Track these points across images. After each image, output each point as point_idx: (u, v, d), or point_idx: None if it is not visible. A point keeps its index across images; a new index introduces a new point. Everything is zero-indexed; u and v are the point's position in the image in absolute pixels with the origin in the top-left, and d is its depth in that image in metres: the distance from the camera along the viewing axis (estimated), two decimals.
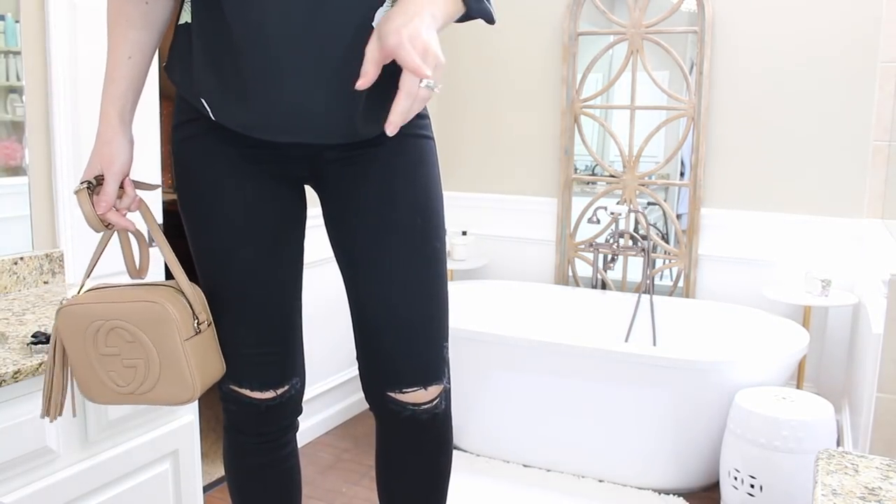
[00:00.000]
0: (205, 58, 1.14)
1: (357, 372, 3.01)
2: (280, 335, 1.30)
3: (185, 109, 1.24)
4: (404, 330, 1.25)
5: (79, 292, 1.18)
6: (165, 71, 1.24)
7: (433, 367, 1.27)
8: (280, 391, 1.31)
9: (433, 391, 1.27)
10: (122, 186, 1.19)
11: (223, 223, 1.23)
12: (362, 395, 3.07)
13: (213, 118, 1.17)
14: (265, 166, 1.23)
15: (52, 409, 1.19)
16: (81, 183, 1.17)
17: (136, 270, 1.25)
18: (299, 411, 1.38)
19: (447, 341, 1.29)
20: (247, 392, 1.30)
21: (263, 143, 1.20)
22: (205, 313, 1.19)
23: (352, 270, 1.28)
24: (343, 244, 1.28)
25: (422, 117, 1.27)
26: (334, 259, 1.33)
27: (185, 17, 1.18)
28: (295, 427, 1.40)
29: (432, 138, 1.29)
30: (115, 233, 1.22)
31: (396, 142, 1.23)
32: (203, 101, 1.16)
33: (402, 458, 1.34)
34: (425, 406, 1.27)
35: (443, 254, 1.28)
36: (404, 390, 1.26)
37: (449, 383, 1.30)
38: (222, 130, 1.20)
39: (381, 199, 1.23)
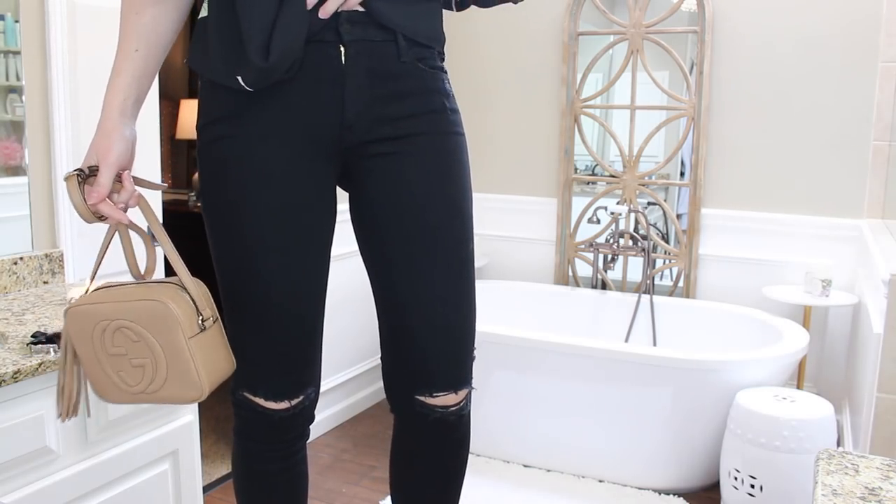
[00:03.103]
0: (223, 33, 1.13)
1: (356, 373, 3.04)
2: (301, 344, 1.26)
3: (210, 109, 1.21)
4: (441, 334, 1.23)
5: (86, 292, 1.15)
6: (189, 64, 1.22)
7: (465, 371, 1.27)
8: (295, 402, 1.28)
9: (462, 394, 1.27)
10: (121, 181, 1.16)
11: (250, 228, 1.20)
12: (361, 395, 3.09)
13: (249, 88, 1.14)
14: (296, 167, 1.20)
15: (67, 409, 1.17)
16: (73, 170, 1.13)
17: (139, 271, 1.21)
18: (312, 420, 1.35)
19: (475, 343, 1.29)
20: (261, 402, 1.26)
21: (294, 133, 1.18)
22: (209, 310, 1.15)
23: (385, 271, 1.25)
24: (376, 243, 1.25)
25: (455, 112, 1.26)
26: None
27: (204, 11, 1.18)
28: (306, 435, 1.37)
29: (464, 134, 1.28)
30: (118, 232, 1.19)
31: (433, 139, 1.22)
32: (238, 77, 1.13)
33: (426, 459, 1.33)
34: (453, 408, 1.27)
35: (473, 255, 1.27)
36: (435, 394, 1.25)
37: (473, 385, 1.31)
38: (251, 128, 1.18)
39: (419, 199, 1.21)
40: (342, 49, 1.15)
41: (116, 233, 1.19)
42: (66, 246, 1.86)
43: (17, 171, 1.78)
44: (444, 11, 1.26)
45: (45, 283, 1.82)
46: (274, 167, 1.19)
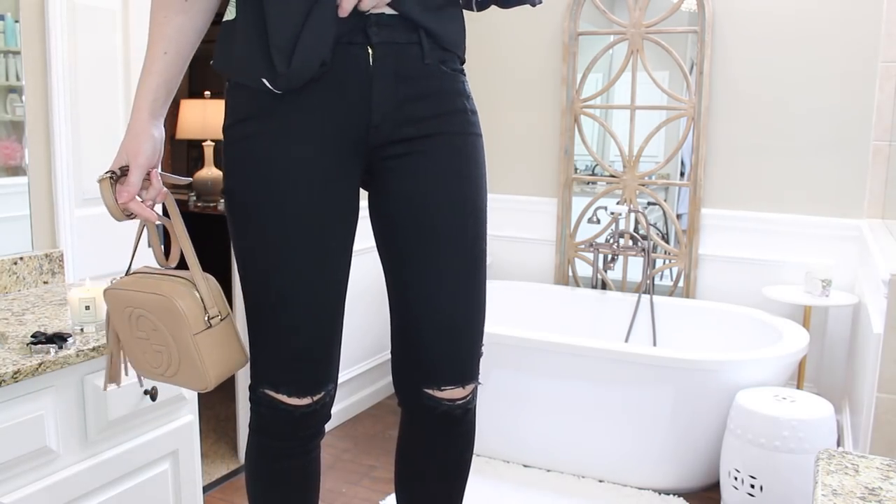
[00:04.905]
0: (251, 35, 1.15)
1: (356, 372, 3.04)
2: (324, 341, 1.28)
3: (237, 109, 1.23)
4: (450, 330, 1.27)
5: (126, 274, 1.23)
6: (214, 67, 1.23)
7: (472, 366, 1.31)
8: (316, 398, 1.29)
9: (469, 388, 1.31)
10: (149, 178, 1.20)
11: (275, 226, 1.21)
12: (362, 395, 3.09)
13: (277, 90, 1.16)
14: (322, 166, 1.21)
15: (108, 376, 1.27)
16: (106, 172, 1.18)
17: (165, 261, 1.25)
18: (328, 418, 1.36)
19: (483, 339, 1.33)
20: (283, 398, 1.27)
21: (321, 132, 1.19)
22: (217, 307, 1.19)
23: (399, 267, 1.28)
24: (392, 240, 1.28)
25: (473, 113, 1.29)
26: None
27: (230, 14, 1.20)
28: (321, 434, 1.37)
29: (482, 135, 1.31)
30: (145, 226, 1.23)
31: (452, 139, 1.24)
32: (264, 80, 1.15)
33: (432, 453, 1.36)
34: (460, 402, 1.30)
35: (485, 254, 1.30)
36: (443, 388, 1.28)
37: (479, 380, 1.35)
38: (279, 127, 1.19)
39: (435, 198, 1.24)
40: (370, 51, 1.17)
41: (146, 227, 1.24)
42: (66, 246, 1.86)
43: (17, 171, 1.78)
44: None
45: (45, 283, 1.82)
46: (300, 166, 1.20)
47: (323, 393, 1.30)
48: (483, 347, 1.33)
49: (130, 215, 1.19)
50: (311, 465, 1.37)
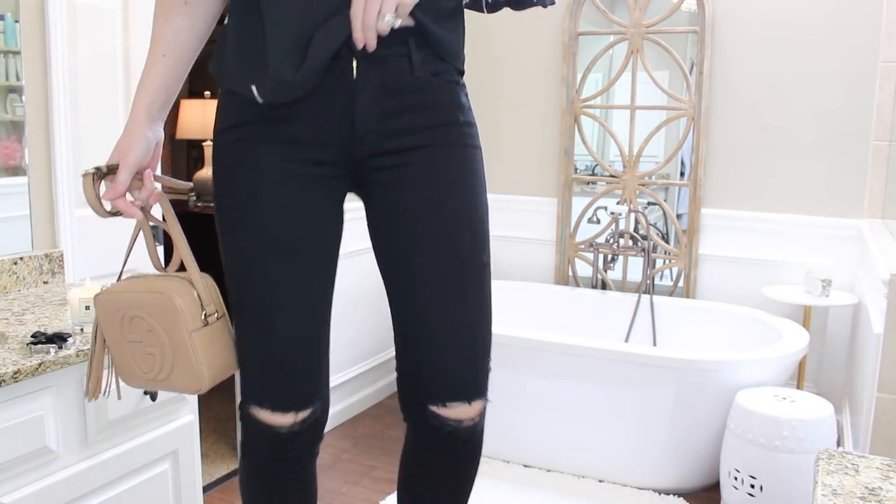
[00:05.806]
0: (243, 42, 1.15)
1: (356, 373, 3.04)
2: (307, 351, 1.25)
3: (228, 114, 1.23)
4: (452, 346, 1.23)
5: (118, 280, 1.22)
6: (210, 70, 1.24)
7: (477, 382, 1.26)
8: (301, 415, 1.25)
9: (476, 406, 1.26)
10: (141, 179, 1.19)
11: (258, 230, 1.21)
12: (362, 395, 3.09)
13: (260, 100, 1.15)
14: (306, 176, 1.20)
15: (93, 390, 1.24)
16: (91, 168, 1.18)
17: (161, 265, 1.25)
18: (319, 439, 1.32)
19: (490, 355, 1.27)
20: (268, 414, 1.24)
21: (306, 143, 1.18)
22: (214, 305, 1.18)
23: (398, 282, 1.26)
24: (389, 255, 1.26)
25: (470, 125, 1.26)
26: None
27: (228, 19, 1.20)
28: (315, 454, 1.34)
29: (480, 147, 1.27)
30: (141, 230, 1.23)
31: (441, 150, 1.22)
32: (253, 87, 1.15)
33: (435, 471, 1.33)
34: (466, 423, 1.25)
35: (489, 266, 1.26)
36: (447, 404, 1.24)
37: (489, 398, 1.29)
38: (265, 136, 1.19)
39: (429, 213, 1.21)
40: (354, 63, 1.16)
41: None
42: (66, 246, 1.86)
43: (17, 171, 1.78)
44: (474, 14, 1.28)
45: (45, 283, 1.82)
46: (283, 175, 1.20)
47: (309, 411, 1.26)
48: (491, 363, 1.28)
49: (117, 213, 1.19)
50: (306, 489, 1.35)
